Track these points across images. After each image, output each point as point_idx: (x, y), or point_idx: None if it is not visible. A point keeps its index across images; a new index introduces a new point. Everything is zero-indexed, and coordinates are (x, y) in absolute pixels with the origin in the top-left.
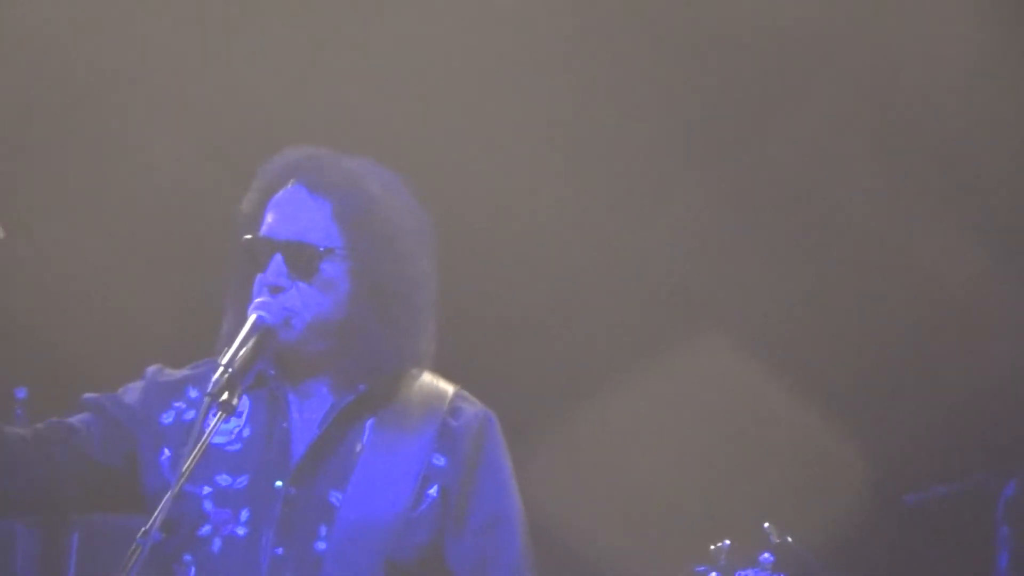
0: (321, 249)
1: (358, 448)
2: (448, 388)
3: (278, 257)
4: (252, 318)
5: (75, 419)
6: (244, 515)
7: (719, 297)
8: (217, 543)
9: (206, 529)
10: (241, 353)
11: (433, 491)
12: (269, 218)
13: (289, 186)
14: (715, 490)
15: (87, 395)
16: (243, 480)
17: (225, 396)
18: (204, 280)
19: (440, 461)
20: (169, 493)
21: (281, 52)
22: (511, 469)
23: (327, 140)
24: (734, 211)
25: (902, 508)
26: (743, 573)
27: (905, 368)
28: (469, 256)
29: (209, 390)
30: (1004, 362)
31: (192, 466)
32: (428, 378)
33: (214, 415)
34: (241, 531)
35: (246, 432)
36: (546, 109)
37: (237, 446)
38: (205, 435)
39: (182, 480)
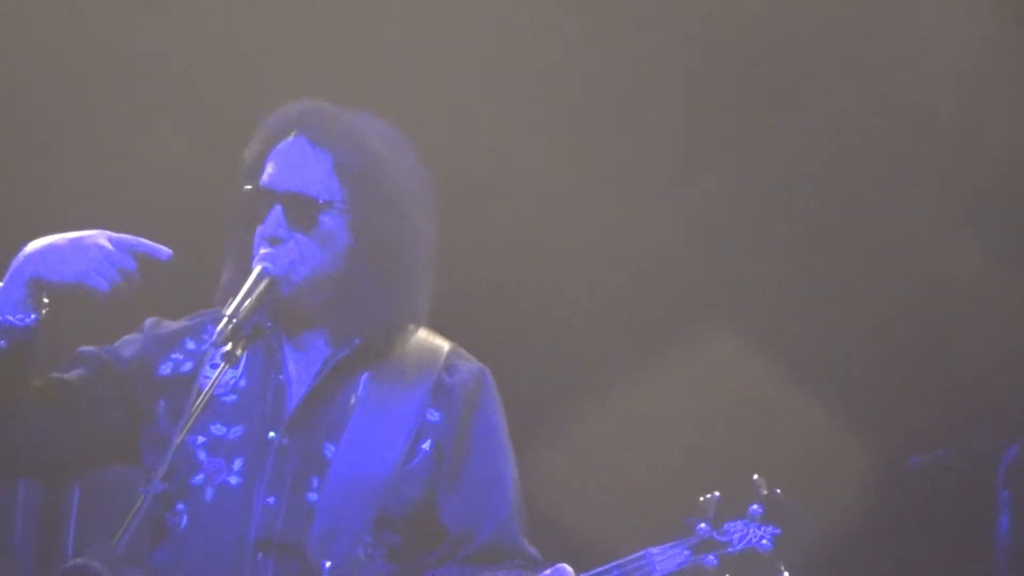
0: (321, 202)
1: (352, 401)
2: (444, 344)
3: (278, 208)
4: (257, 269)
5: (73, 375)
6: (237, 465)
7: (724, 286)
8: (210, 492)
9: (199, 478)
10: (246, 304)
11: (426, 446)
12: (270, 168)
13: (291, 137)
14: (718, 461)
15: (83, 348)
16: (237, 430)
17: (228, 347)
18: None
19: (434, 416)
20: (172, 443)
21: (285, 39)
22: (505, 426)
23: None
24: (741, 201)
25: (904, 470)
26: (732, 525)
27: (909, 332)
28: (469, 247)
29: (213, 340)
30: (1007, 327)
31: (196, 416)
32: (424, 334)
33: (214, 367)
34: (234, 480)
35: (242, 383)
36: (555, 96)
37: (233, 397)
38: (208, 386)
39: (185, 430)
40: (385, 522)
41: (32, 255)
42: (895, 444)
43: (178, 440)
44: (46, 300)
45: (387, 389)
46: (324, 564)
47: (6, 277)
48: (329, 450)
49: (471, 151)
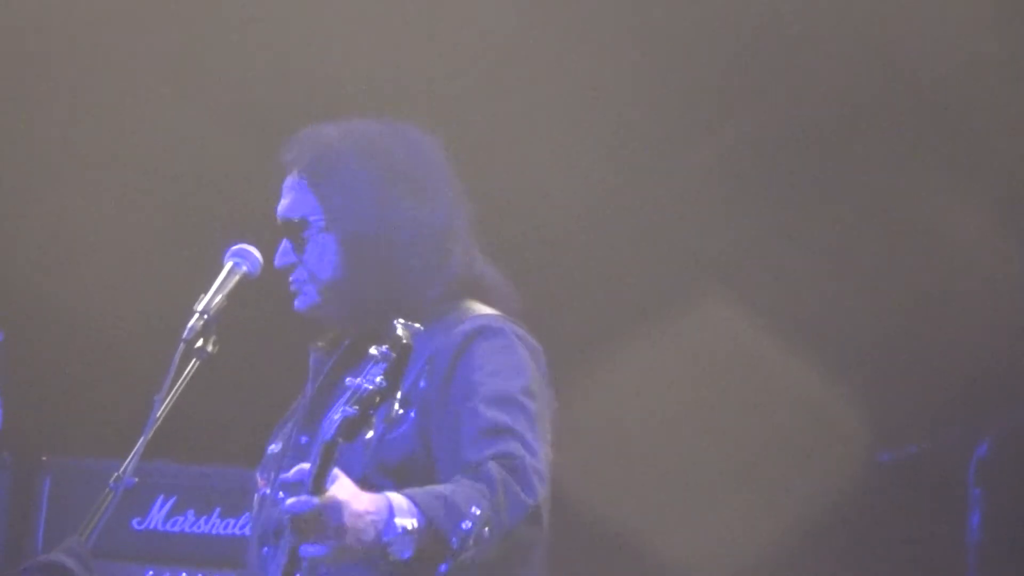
0: (307, 220)
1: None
2: (473, 312)
3: (284, 240)
4: (228, 265)
5: None
6: (272, 476)
7: (727, 259)
8: (255, 507)
9: (254, 497)
10: (216, 300)
11: (413, 414)
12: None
13: (287, 174)
14: (705, 449)
15: None
16: (279, 444)
17: (200, 343)
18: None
19: (423, 383)
20: (142, 439)
21: (294, 17)
22: (497, 367)
23: (336, 104)
24: (744, 173)
25: (876, 466)
26: (367, 369)
27: (884, 331)
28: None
29: (184, 336)
30: (980, 325)
31: (164, 413)
32: (466, 305)
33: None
34: (268, 491)
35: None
36: (556, 67)
37: (299, 415)
38: (179, 382)
39: (156, 425)
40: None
41: None
42: (867, 440)
43: (147, 436)
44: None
45: None
46: None
47: None
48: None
49: (469, 123)
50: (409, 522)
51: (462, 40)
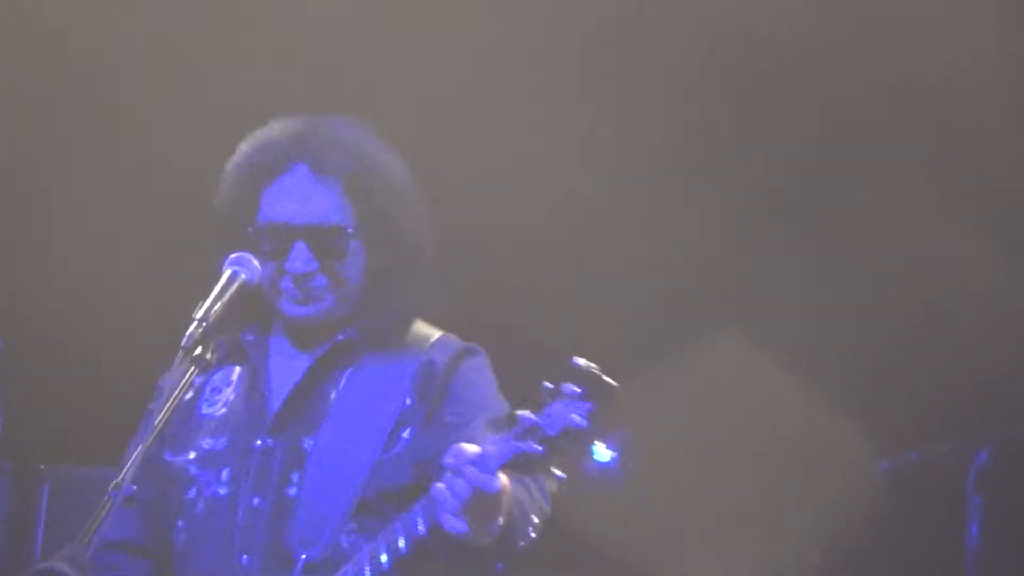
0: (348, 230)
1: (332, 396)
2: (435, 333)
3: (300, 244)
4: (227, 273)
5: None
6: (225, 474)
7: (727, 265)
8: (201, 505)
9: (192, 492)
10: (215, 308)
11: (406, 434)
12: (279, 203)
13: (292, 169)
14: (716, 461)
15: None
16: (223, 441)
17: (199, 351)
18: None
19: (409, 400)
20: (141, 446)
21: (290, 34)
22: (489, 392)
23: (336, 108)
24: (747, 207)
25: (876, 474)
26: (550, 408)
27: (884, 338)
28: (481, 249)
29: (183, 344)
30: (981, 333)
31: (165, 419)
32: (419, 326)
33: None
34: (223, 491)
35: (230, 396)
36: (565, 98)
37: (221, 411)
38: (178, 389)
39: (155, 433)
40: (368, 508)
41: None
42: (867, 448)
43: (148, 442)
44: None
45: (368, 381)
46: (300, 556)
47: None
48: (308, 444)
49: (478, 152)
50: (503, 517)
51: (465, 55)
